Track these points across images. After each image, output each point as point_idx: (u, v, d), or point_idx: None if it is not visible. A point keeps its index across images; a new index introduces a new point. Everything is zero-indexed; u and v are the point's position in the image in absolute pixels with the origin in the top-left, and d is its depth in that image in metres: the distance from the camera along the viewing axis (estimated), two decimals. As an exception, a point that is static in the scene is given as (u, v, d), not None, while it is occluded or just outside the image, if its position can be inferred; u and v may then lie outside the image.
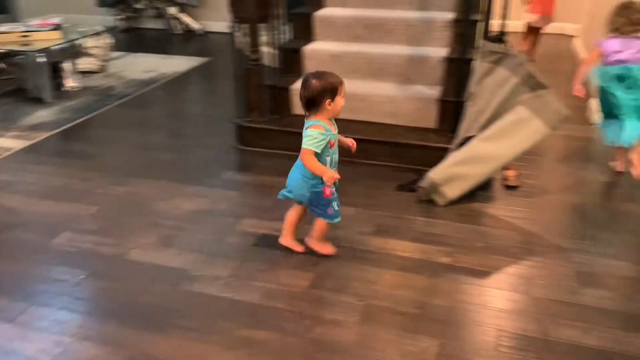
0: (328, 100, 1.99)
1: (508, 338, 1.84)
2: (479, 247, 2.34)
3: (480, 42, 2.90)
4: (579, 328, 1.87)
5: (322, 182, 2.07)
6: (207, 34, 6.32)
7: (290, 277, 2.15)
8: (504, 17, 2.88)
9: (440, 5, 3.49)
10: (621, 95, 2.73)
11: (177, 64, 5.15)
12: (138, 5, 6.42)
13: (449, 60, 3.19)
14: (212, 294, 2.06)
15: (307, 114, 2.07)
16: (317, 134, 2.01)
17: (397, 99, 3.21)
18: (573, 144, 3.36)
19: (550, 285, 2.09)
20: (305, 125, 2.05)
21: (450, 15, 3.36)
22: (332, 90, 1.98)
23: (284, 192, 2.20)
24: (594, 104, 3.58)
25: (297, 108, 3.36)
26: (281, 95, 3.35)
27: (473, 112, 2.80)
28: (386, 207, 2.65)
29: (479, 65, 2.82)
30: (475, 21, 3.13)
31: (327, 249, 2.28)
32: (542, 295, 2.04)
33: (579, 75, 2.99)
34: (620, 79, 2.73)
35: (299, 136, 3.16)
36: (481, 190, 2.76)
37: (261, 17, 3.60)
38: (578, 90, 2.98)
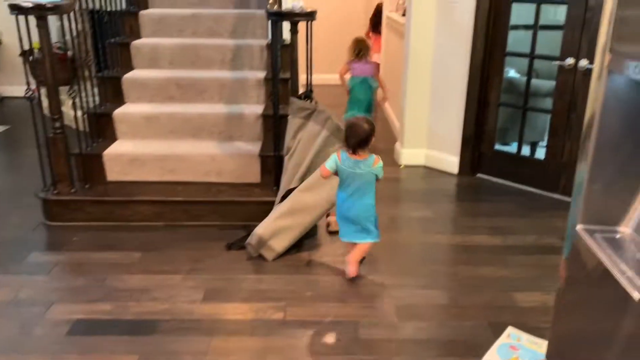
0: (373, 137, 2.38)
1: (342, 385, 1.88)
2: (309, 296, 2.39)
3: (291, 99, 3.05)
4: (403, 362, 1.99)
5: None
6: (3, 99, 5.72)
7: (112, 364, 1.96)
8: (310, 74, 3.09)
9: (252, 65, 3.63)
10: (358, 94, 4.14)
11: (-32, 134, 4.55)
12: None
13: (265, 117, 3.30)
14: (18, 401, 1.79)
15: (354, 151, 2.38)
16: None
17: (219, 156, 3.21)
18: (385, 184, 3.65)
19: (375, 324, 2.20)
20: (367, 163, 2.39)
21: (261, 74, 3.50)
22: (374, 128, 2.39)
23: (351, 234, 2.49)
24: (399, 147, 3.98)
25: (112, 174, 3.17)
26: (92, 162, 3.13)
27: (291, 165, 2.90)
28: (214, 269, 2.58)
29: (292, 121, 2.96)
30: (286, 79, 3.31)
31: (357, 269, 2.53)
32: (369, 335, 2.14)
33: (341, 77, 4.32)
34: (358, 85, 4.13)
35: (114, 204, 3.02)
36: (307, 239, 2.84)
37: (63, 79, 3.38)
38: (344, 84, 4.30)
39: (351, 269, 2.49)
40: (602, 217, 1.12)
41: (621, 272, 0.98)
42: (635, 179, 1.09)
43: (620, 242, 1.07)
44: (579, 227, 1.14)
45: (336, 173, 2.45)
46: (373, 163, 2.38)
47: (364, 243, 2.49)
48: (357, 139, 2.35)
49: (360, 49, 4.10)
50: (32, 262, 2.66)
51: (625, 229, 1.10)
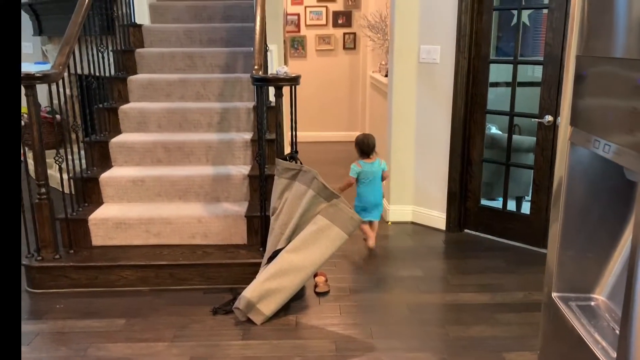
0: None
1: None
2: (296, 362, 2.34)
3: (277, 160, 3.09)
4: None
5: None
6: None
7: None
8: (295, 136, 3.15)
9: (239, 127, 3.69)
10: None
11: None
12: None
13: (251, 178, 3.33)
14: None
15: (368, 156, 3.48)
16: None
17: (205, 218, 3.20)
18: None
19: (363, 391, 2.15)
20: (378, 162, 3.49)
21: (248, 136, 3.56)
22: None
23: (378, 214, 3.54)
24: (386, 204, 4.00)
25: (97, 239, 3.15)
26: (77, 227, 3.12)
27: (277, 226, 2.90)
28: (200, 335, 2.53)
29: (278, 182, 2.98)
30: (272, 140, 3.36)
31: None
32: (358, 403, 2.09)
33: None
34: None
35: (98, 270, 2.99)
36: (295, 301, 2.81)
37: (51, 143, 3.40)
38: None
39: (374, 242, 3.51)
40: (576, 284, 1.14)
41: (596, 342, 0.98)
42: (605, 246, 1.12)
43: (594, 310, 1.08)
44: (555, 295, 1.15)
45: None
46: (380, 163, 3.48)
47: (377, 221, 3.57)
48: (371, 147, 3.45)
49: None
50: (13, 332, 2.59)
51: (598, 297, 1.12)
